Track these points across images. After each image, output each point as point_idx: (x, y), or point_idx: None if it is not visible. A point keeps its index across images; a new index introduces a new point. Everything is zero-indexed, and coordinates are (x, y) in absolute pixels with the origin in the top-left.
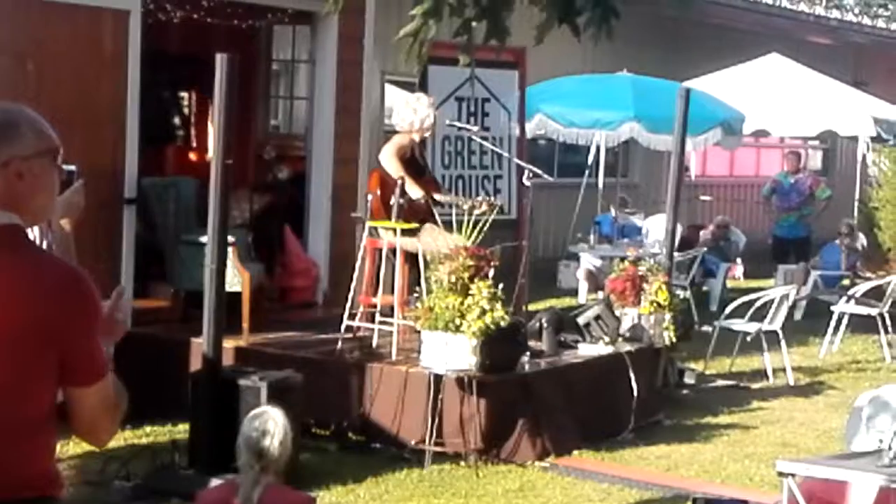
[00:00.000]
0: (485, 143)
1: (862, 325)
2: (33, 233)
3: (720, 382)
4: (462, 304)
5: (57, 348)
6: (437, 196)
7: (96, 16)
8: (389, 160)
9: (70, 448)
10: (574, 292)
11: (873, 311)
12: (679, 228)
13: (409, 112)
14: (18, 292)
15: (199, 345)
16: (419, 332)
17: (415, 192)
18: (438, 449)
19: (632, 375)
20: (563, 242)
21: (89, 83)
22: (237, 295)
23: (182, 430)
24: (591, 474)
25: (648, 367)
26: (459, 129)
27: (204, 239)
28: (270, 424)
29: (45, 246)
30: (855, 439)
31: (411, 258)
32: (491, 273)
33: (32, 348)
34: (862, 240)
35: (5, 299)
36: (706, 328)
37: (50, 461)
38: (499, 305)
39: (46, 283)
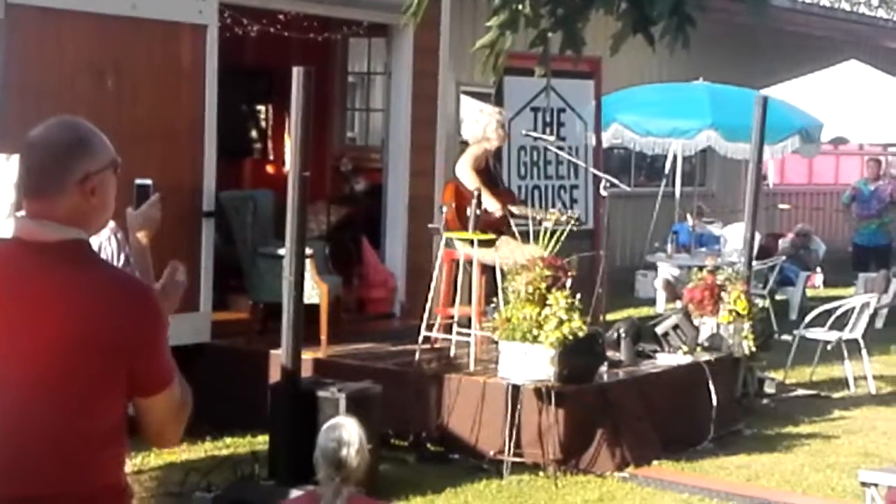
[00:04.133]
0: (561, 153)
1: None
2: (111, 246)
3: (800, 392)
4: (539, 314)
5: (123, 361)
6: (512, 208)
7: (174, 31)
8: (465, 172)
9: (151, 459)
10: (652, 302)
11: None
12: (757, 237)
13: (472, 123)
14: (85, 306)
15: (278, 356)
16: (497, 342)
17: (492, 204)
18: (517, 459)
19: (711, 385)
20: (641, 252)
21: (167, 98)
22: (315, 307)
23: (262, 441)
24: (670, 484)
25: (728, 376)
26: (535, 139)
27: (282, 251)
28: (345, 434)
29: (122, 258)
30: None
31: (488, 269)
32: (568, 283)
33: (99, 361)
34: None
35: (72, 313)
36: (786, 337)
37: (119, 473)
38: (576, 315)
39: (112, 296)
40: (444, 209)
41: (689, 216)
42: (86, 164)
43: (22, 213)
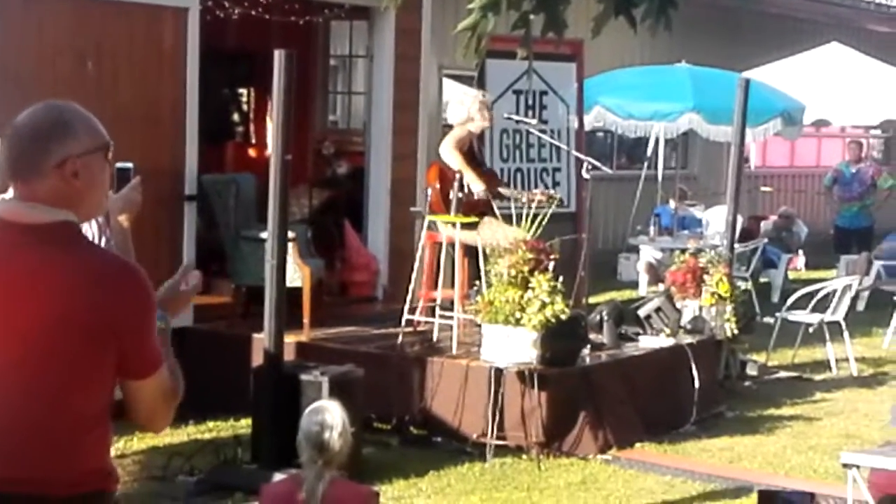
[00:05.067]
0: (543, 135)
1: None
2: (91, 229)
3: (782, 374)
4: (522, 297)
5: (112, 343)
6: (498, 189)
7: (155, 14)
8: (450, 153)
9: (134, 443)
10: (634, 285)
11: None
12: (739, 219)
13: (457, 106)
14: (69, 287)
15: (261, 340)
16: (479, 325)
17: (476, 185)
18: (500, 442)
19: (693, 367)
20: (623, 235)
21: (149, 81)
22: (297, 290)
23: (244, 425)
24: (653, 467)
25: (710, 359)
26: (518, 122)
27: (264, 235)
28: (329, 418)
29: (103, 242)
30: None
31: (471, 252)
32: (551, 266)
33: (88, 343)
34: None
35: (55, 294)
36: (768, 320)
37: (105, 456)
38: (559, 298)
39: (101, 278)
40: (429, 191)
41: (671, 199)
42: (66, 148)
43: (7, 195)
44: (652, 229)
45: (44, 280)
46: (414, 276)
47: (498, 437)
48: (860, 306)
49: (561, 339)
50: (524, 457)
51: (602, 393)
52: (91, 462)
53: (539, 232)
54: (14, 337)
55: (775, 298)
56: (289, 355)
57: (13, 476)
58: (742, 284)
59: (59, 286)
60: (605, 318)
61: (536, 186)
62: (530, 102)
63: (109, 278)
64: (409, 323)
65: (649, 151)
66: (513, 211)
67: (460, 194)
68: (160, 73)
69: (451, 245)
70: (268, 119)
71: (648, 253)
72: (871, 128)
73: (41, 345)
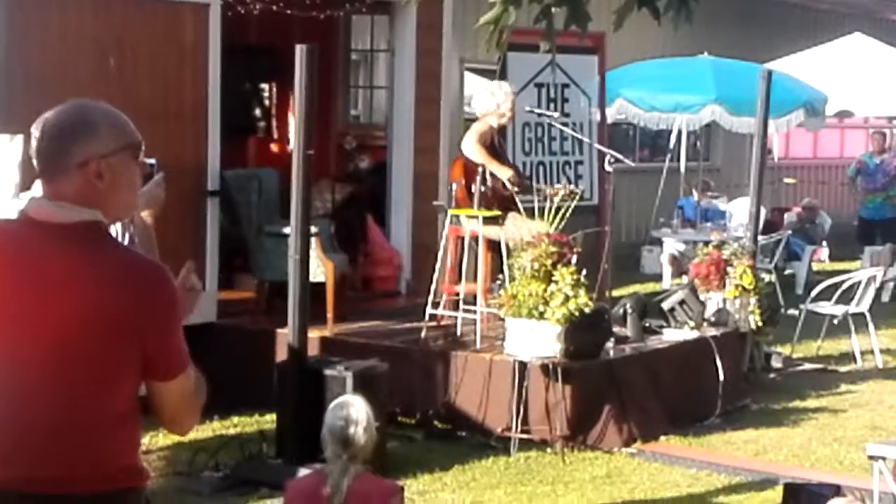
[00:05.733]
0: (565, 128)
1: None
2: (115, 227)
3: (807, 366)
4: (545, 290)
5: (138, 342)
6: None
7: (176, 10)
8: (472, 147)
9: (160, 440)
10: (658, 277)
11: None
12: (763, 211)
13: (486, 96)
14: (101, 287)
15: (285, 335)
16: (503, 319)
17: (503, 173)
18: (524, 436)
19: (718, 360)
20: (646, 227)
21: (170, 77)
22: (321, 285)
23: (269, 420)
24: (678, 460)
25: (734, 351)
26: (540, 115)
27: (287, 230)
28: (353, 412)
29: (126, 239)
30: None
31: (494, 246)
32: (574, 259)
33: (115, 342)
34: None
35: (88, 294)
36: (792, 311)
37: (135, 453)
38: (582, 292)
39: (128, 278)
40: (454, 186)
41: (694, 191)
42: (88, 148)
43: (30, 193)
44: (675, 221)
45: (70, 280)
46: (437, 270)
47: (522, 431)
48: (885, 297)
49: (585, 332)
50: (549, 450)
51: (626, 386)
52: (121, 459)
53: (562, 225)
54: (41, 336)
55: (799, 290)
56: (312, 350)
57: (43, 475)
58: (766, 276)
59: (85, 286)
60: (629, 310)
61: (559, 180)
62: (552, 95)
63: (135, 278)
64: (433, 317)
65: (672, 143)
66: (535, 205)
67: (483, 188)
68: (182, 68)
69: (475, 239)
70: (290, 114)
71: (672, 245)
72: (894, 118)
73: (68, 344)
